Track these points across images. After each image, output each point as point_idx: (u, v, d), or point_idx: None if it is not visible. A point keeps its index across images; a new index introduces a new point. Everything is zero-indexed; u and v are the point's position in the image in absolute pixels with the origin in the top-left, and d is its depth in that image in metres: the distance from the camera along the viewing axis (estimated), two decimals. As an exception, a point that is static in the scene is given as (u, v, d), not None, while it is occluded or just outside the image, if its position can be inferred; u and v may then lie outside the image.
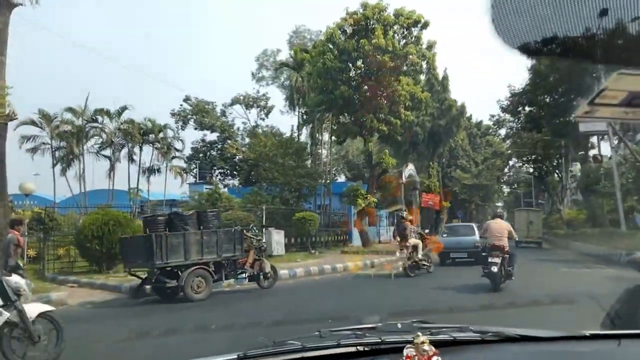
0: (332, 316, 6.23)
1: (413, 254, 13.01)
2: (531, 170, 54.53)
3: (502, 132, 44.15)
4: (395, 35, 20.58)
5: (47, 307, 5.29)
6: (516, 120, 37.94)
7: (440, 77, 33.44)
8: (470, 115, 46.87)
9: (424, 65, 22.16)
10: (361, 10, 20.66)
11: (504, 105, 35.81)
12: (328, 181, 27.73)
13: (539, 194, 59.14)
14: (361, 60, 20.66)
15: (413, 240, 13.21)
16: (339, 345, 1.41)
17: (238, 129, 40.47)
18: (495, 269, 9.50)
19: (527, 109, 34.09)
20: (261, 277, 11.05)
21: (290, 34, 38.45)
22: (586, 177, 27.31)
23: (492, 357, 1.45)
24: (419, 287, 11.13)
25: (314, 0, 72.94)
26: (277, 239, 17.58)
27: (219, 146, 40.09)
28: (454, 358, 1.39)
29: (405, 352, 1.24)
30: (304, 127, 31.31)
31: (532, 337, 1.53)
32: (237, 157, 38.03)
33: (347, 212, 27.57)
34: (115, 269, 12.78)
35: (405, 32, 20.68)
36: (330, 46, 20.66)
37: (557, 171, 40.84)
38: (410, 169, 37.42)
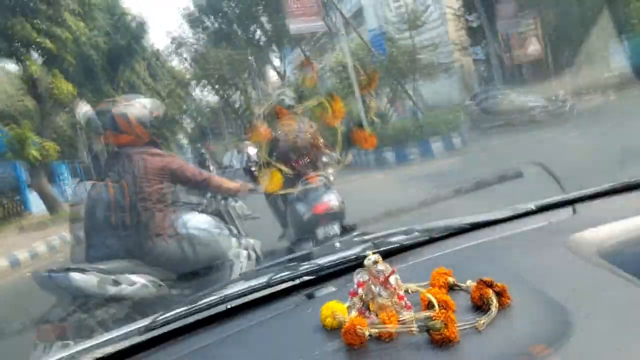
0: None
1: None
2: (217, 97, 53.58)
3: (184, 53, 40.15)
4: None
5: None
6: (199, 33, 34.63)
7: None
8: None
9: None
10: None
11: (184, 16, 31.75)
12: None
13: (227, 122, 58.97)
14: None
15: None
16: (269, 285, 1.12)
17: None
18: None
19: (213, 20, 30.95)
20: None
21: None
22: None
23: (444, 253, 1.20)
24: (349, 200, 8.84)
25: None
26: None
27: None
28: (404, 264, 1.17)
29: (355, 278, 0.92)
30: None
31: (483, 222, 1.39)
32: None
33: (14, 172, 19.97)
34: None
35: None
36: None
37: (249, 89, 40.03)
38: (87, 109, 30.42)
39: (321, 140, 3.71)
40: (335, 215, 3.64)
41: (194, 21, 31.75)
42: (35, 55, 15.86)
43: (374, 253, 1.02)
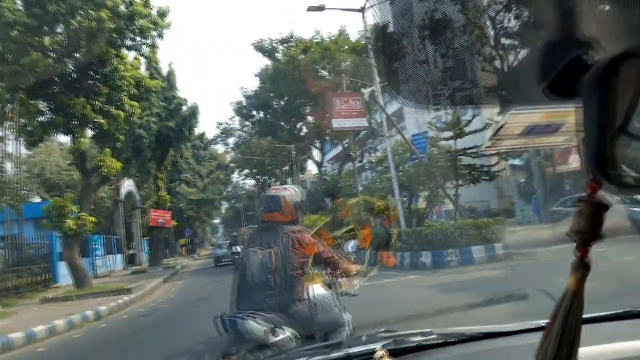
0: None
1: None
2: (253, 182, 54.69)
3: (231, 141, 41.77)
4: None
5: None
6: (248, 126, 36.06)
7: (164, 71, 28.58)
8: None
9: (153, 40, 17.04)
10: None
11: (236, 109, 33.28)
12: (17, 201, 19.56)
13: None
14: (62, 20, 14.22)
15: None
16: None
17: None
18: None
19: (260, 113, 32.33)
20: None
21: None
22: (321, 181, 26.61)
23: (449, 356, 1.46)
24: (382, 298, 9.20)
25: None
26: None
27: None
28: None
29: None
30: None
31: (493, 333, 1.60)
32: None
33: (49, 242, 20.15)
34: None
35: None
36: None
37: (289, 179, 40.70)
38: (129, 184, 31.37)
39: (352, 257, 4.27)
40: None
41: (242, 113, 33.14)
42: (88, 131, 16.53)
43: (388, 343, 1.47)
